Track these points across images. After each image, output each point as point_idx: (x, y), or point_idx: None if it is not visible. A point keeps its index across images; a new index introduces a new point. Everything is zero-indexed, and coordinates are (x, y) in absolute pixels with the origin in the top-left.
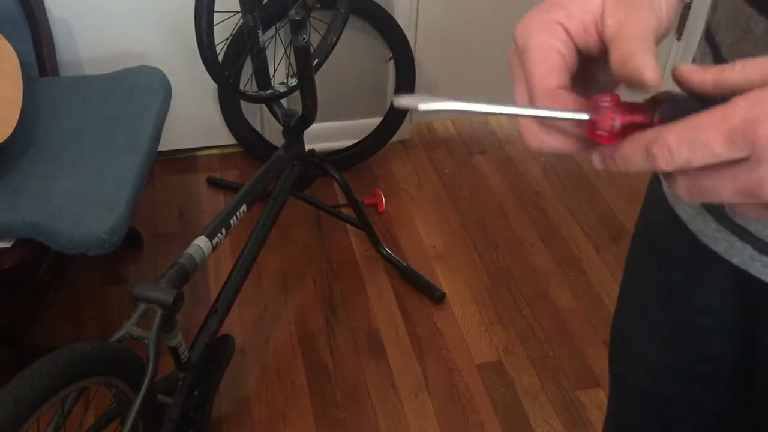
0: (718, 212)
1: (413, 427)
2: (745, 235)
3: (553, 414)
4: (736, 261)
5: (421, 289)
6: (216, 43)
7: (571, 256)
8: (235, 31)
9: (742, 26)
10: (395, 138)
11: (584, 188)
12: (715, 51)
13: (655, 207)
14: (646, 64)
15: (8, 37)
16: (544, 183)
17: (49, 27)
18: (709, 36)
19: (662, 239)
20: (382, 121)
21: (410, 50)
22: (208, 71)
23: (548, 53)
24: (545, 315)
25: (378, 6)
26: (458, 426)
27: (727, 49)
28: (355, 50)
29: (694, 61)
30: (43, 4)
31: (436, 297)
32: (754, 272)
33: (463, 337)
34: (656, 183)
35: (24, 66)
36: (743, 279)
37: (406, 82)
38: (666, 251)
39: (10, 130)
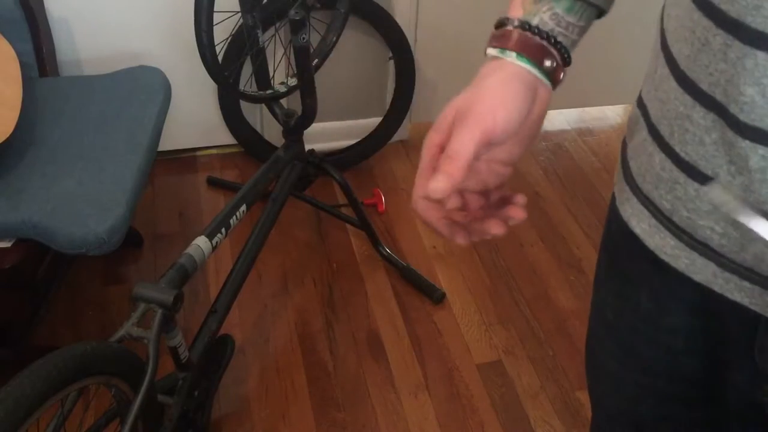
0: (676, 227)
1: (413, 427)
2: (706, 251)
3: (553, 414)
4: (698, 278)
5: (421, 289)
6: (216, 43)
7: (571, 256)
8: (234, 31)
9: (700, 38)
10: (395, 138)
11: (584, 188)
12: (671, 62)
13: (613, 224)
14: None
15: (8, 37)
16: (544, 183)
17: (49, 27)
18: (665, 46)
19: (623, 258)
20: (382, 121)
21: (410, 50)
22: (208, 71)
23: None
24: (545, 315)
25: (378, 6)
26: (458, 426)
27: (685, 61)
28: (355, 50)
29: (628, 127)
30: (43, 4)
31: (436, 297)
32: (717, 289)
33: (463, 337)
34: (612, 204)
35: (24, 66)
36: (707, 297)
37: (406, 82)
38: (628, 271)
39: (10, 130)
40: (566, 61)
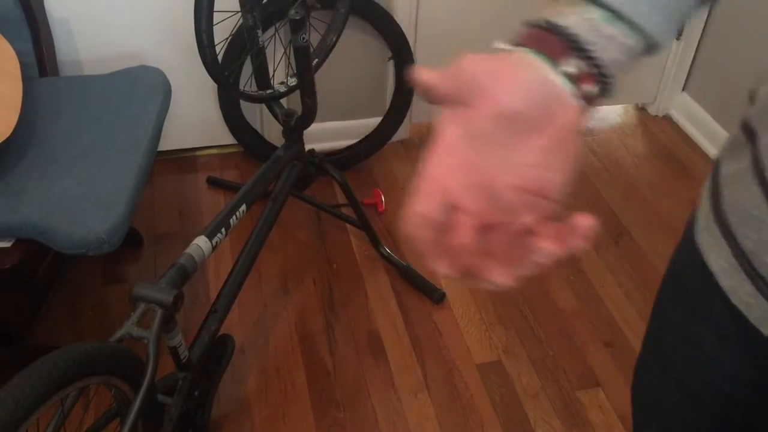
0: (754, 271)
1: (413, 427)
2: None
3: (553, 414)
4: (767, 333)
5: (421, 289)
6: (216, 43)
7: (570, 256)
8: (234, 31)
9: None
10: (395, 138)
11: (584, 188)
12: (751, 139)
13: (687, 251)
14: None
15: (8, 37)
16: None
17: (49, 27)
18: (745, 125)
19: (693, 291)
20: (382, 121)
21: (410, 50)
22: (207, 71)
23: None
24: (545, 315)
25: (378, 6)
26: (458, 426)
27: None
28: (355, 50)
29: (726, 149)
30: (43, 4)
31: (436, 297)
32: None
33: (463, 337)
34: (690, 226)
35: (24, 66)
36: None
37: (406, 83)
38: (697, 306)
39: (10, 130)
40: (601, 73)
